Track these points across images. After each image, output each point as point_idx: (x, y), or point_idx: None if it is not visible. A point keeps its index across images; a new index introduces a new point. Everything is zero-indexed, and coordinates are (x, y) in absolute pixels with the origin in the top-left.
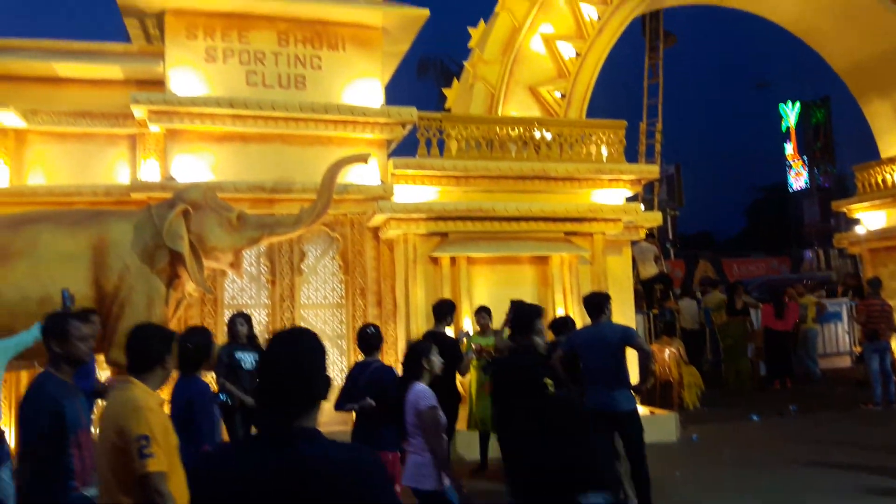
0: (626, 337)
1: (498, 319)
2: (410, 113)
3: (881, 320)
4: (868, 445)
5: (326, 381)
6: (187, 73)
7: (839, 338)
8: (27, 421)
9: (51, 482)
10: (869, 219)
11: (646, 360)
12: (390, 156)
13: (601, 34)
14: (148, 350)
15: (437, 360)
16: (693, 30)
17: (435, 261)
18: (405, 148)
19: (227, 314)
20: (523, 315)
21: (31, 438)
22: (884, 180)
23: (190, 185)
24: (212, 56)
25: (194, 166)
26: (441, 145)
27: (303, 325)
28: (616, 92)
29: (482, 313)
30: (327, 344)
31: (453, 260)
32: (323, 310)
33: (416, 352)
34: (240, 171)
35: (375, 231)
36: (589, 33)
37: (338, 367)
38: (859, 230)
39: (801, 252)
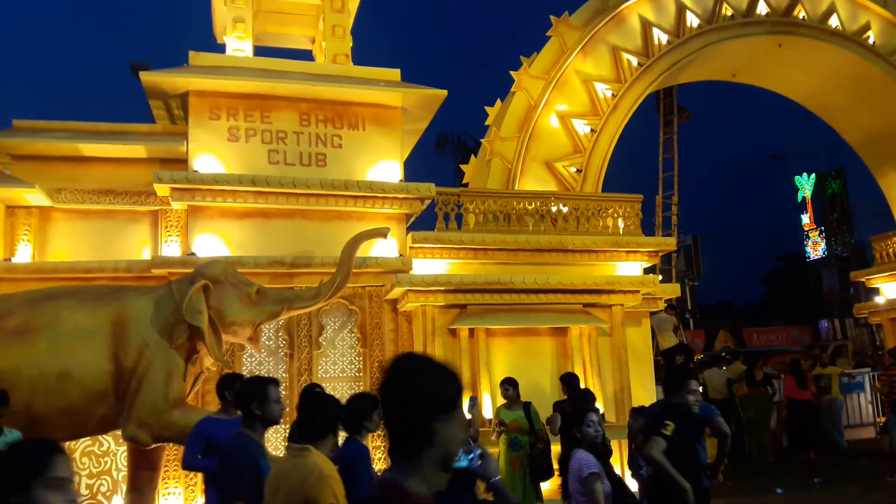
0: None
1: (523, 391)
2: (429, 188)
3: None
4: None
5: None
6: (210, 152)
7: (863, 408)
8: (228, 478)
9: None
10: (888, 288)
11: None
12: (409, 229)
13: (615, 111)
14: (323, 419)
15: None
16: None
17: (453, 333)
18: (424, 222)
19: None
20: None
21: (233, 496)
22: None
23: (210, 261)
24: (234, 135)
25: (215, 242)
26: (459, 219)
27: None
28: (632, 165)
29: (507, 385)
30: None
31: (472, 332)
32: (341, 383)
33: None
34: (260, 247)
35: (394, 303)
36: (603, 110)
37: None
38: (879, 300)
39: (817, 322)
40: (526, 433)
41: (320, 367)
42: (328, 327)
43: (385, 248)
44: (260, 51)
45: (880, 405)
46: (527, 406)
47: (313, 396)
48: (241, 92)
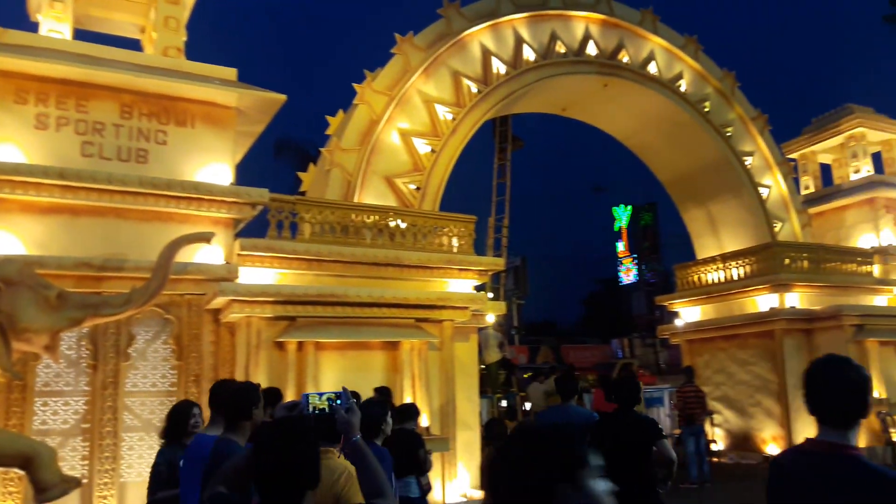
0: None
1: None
2: (261, 194)
3: (696, 406)
4: None
5: None
6: (10, 140)
7: (662, 421)
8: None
9: None
10: (686, 312)
11: None
12: (238, 236)
13: (455, 133)
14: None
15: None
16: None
17: (280, 346)
18: (255, 229)
19: (39, 402)
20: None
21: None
22: (699, 279)
23: (3, 259)
24: (43, 123)
25: (11, 239)
26: (293, 228)
27: (126, 414)
28: (468, 188)
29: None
30: (154, 435)
31: (300, 345)
32: (151, 398)
33: None
34: (66, 247)
35: (216, 314)
36: (443, 132)
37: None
38: (678, 322)
39: (609, 341)
40: None
41: (128, 381)
42: (139, 337)
43: (209, 255)
44: (81, 35)
45: (676, 419)
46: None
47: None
48: (53, 76)
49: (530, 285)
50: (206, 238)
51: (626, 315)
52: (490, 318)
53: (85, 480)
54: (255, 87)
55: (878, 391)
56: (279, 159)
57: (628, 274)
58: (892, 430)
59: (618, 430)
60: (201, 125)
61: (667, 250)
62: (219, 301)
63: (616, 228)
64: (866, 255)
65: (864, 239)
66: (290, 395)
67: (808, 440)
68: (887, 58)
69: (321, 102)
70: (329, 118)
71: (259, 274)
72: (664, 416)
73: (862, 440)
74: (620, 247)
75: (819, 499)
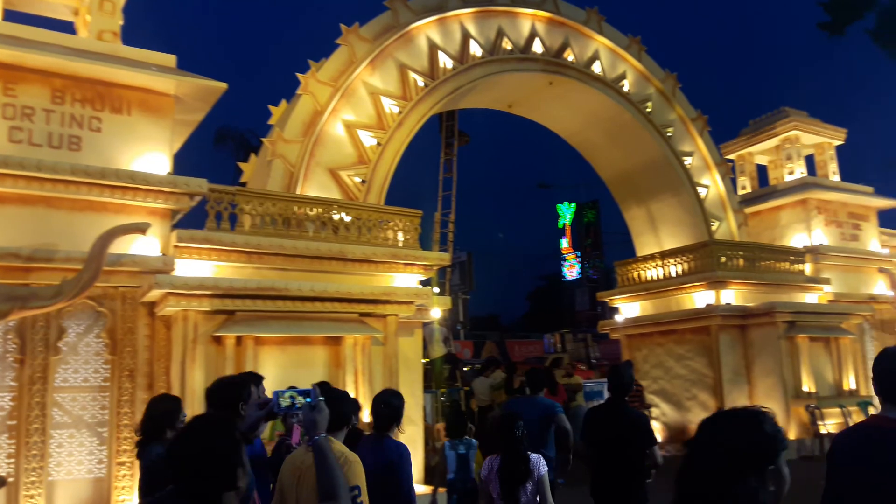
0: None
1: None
2: (200, 184)
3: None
4: None
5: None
6: None
7: None
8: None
9: None
10: (626, 308)
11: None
12: (175, 227)
13: (401, 127)
14: (346, 413)
15: None
16: (486, 131)
17: (218, 340)
18: (194, 220)
19: None
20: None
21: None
22: (639, 275)
23: None
24: None
25: None
26: (233, 220)
27: (56, 410)
28: (414, 182)
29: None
30: (85, 432)
31: (239, 340)
32: (82, 393)
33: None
34: None
35: (151, 307)
36: (389, 125)
37: (95, 459)
38: (618, 318)
39: (542, 336)
40: None
41: (58, 376)
42: (70, 331)
43: (145, 246)
44: (11, 16)
45: None
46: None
47: (330, 391)
48: None
49: (476, 280)
50: (141, 229)
51: (569, 310)
52: (435, 313)
53: (11, 479)
54: (195, 75)
55: (807, 385)
56: (220, 149)
57: (571, 270)
58: (819, 422)
59: (610, 424)
60: (138, 112)
61: (609, 248)
62: (154, 294)
63: (560, 225)
64: (799, 255)
65: (797, 238)
66: None
67: (871, 416)
68: (822, 63)
69: (264, 92)
70: (272, 108)
71: (197, 266)
72: None
73: (791, 432)
74: (564, 243)
75: (880, 467)
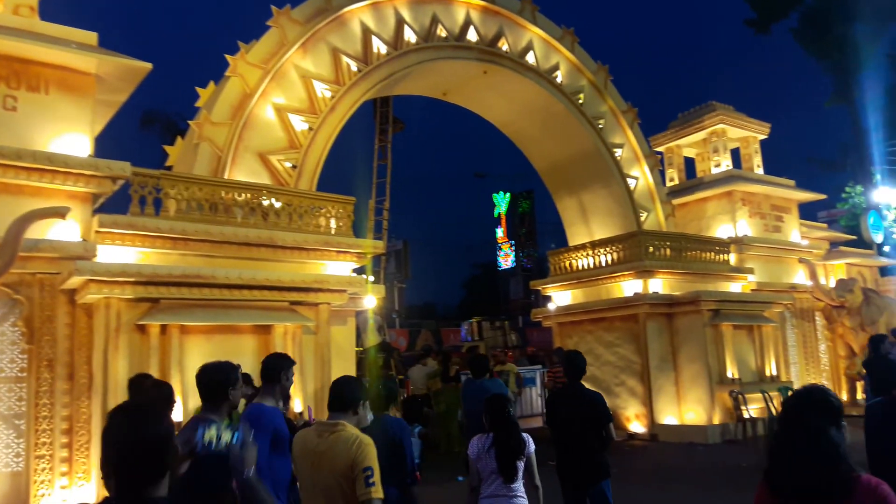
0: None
1: None
2: (123, 167)
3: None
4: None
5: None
6: None
7: (534, 400)
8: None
9: None
10: (558, 297)
11: None
12: (97, 212)
13: (333, 112)
14: (353, 396)
15: None
16: (422, 118)
17: (142, 329)
18: (116, 204)
19: None
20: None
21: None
22: (570, 265)
23: None
24: None
25: None
26: (158, 204)
27: None
28: (347, 169)
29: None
30: (1, 424)
31: (164, 328)
32: None
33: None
34: None
35: (71, 294)
36: (321, 109)
37: (13, 452)
38: (551, 306)
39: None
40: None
41: None
42: None
43: (64, 231)
44: None
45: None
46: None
47: (345, 378)
48: None
49: (412, 269)
50: (60, 213)
51: (504, 299)
52: (370, 302)
53: None
54: (117, 54)
55: (730, 371)
56: (146, 132)
57: (506, 259)
58: (743, 407)
59: (572, 404)
60: (56, 92)
61: (542, 237)
62: (75, 281)
63: (496, 215)
64: (724, 245)
65: (723, 229)
66: None
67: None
68: (748, 59)
69: (192, 74)
70: (199, 90)
71: (119, 252)
72: (536, 396)
73: (715, 417)
74: (499, 233)
75: None
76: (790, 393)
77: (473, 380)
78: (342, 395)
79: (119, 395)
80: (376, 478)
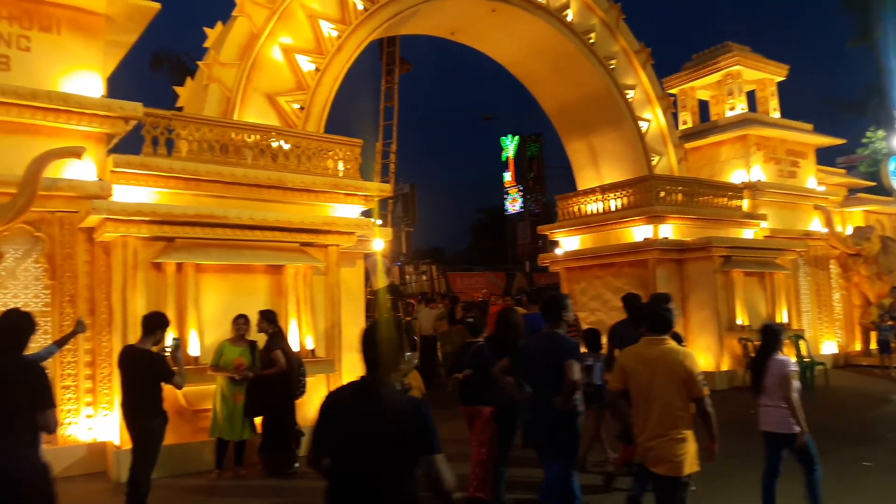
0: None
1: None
2: (135, 108)
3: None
4: None
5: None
6: None
7: None
8: None
9: None
10: (566, 242)
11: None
12: (111, 152)
13: (340, 52)
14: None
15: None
16: (429, 59)
17: (158, 267)
18: (129, 145)
19: None
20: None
21: None
22: (579, 209)
23: None
24: None
25: None
26: (170, 145)
27: None
28: (354, 111)
29: (240, 321)
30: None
31: (179, 267)
32: None
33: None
34: None
35: (89, 232)
36: (328, 49)
37: None
38: (558, 251)
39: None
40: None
41: None
42: (8, 255)
43: (81, 171)
44: None
45: None
46: (252, 344)
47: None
48: None
49: (419, 213)
50: (76, 153)
51: (512, 244)
52: (378, 245)
53: None
54: None
55: (740, 318)
56: (157, 74)
57: (514, 203)
58: (752, 355)
59: (538, 350)
60: (68, 32)
61: (551, 181)
62: (92, 219)
63: (503, 158)
64: (737, 190)
65: (736, 174)
66: (170, 318)
67: None
68: None
69: (201, 14)
70: (207, 30)
71: (134, 192)
72: None
73: (724, 364)
74: (507, 177)
75: None
76: (801, 342)
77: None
78: (661, 315)
79: (138, 331)
80: (704, 379)
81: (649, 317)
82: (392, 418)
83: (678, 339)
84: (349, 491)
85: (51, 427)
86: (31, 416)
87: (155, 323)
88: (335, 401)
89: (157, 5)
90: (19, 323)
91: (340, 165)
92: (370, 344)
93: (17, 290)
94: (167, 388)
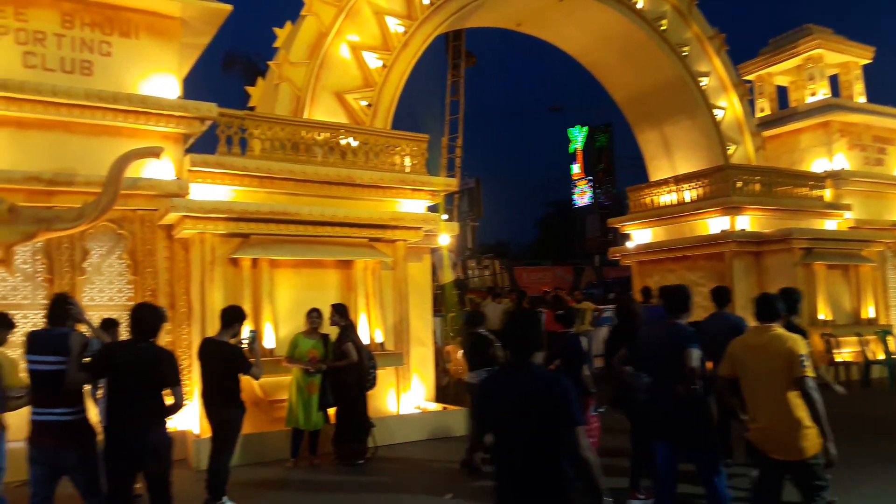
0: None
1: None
2: (210, 108)
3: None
4: None
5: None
6: None
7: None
8: None
9: None
10: (637, 235)
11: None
12: (187, 151)
13: (406, 48)
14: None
15: None
16: (494, 52)
17: (235, 262)
18: (205, 144)
19: None
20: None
21: None
22: (651, 201)
23: None
24: None
25: None
26: (243, 144)
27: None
28: (421, 106)
29: (313, 314)
30: None
31: (255, 262)
32: (109, 312)
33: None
34: (14, 160)
35: (169, 230)
36: (395, 45)
37: None
38: (629, 245)
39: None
40: (322, 361)
41: (85, 295)
42: (94, 252)
43: (160, 170)
44: None
45: None
46: (325, 337)
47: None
48: None
49: (485, 207)
50: (155, 153)
51: (580, 237)
52: (444, 240)
53: None
54: None
55: (823, 314)
56: (229, 74)
57: (582, 196)
58: (835, 350)
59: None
60: (146, 36)
61: (621, 172)
62: (171, 217)
63: (571, 150)
64: (819, 180)
65: (818, 163)
66: (247, 311)
67: None
68: None
69: (271, 14)
70: (277, 30)
71: (211, 190)
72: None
73: None
74: (575, 168)
75: None
76: (889, 338)
77: (715, 313)
78: (769, 303)
79: (217, 325)
80: (807, 362)
81: (757, 304)
82: (543, 392)
83: (802, 333)
84: (511, 461)
85: (178, 402)
86: (161, 393)
87: (233, 316)
88: (492, 384)
89: (229, 7)
90: (152, 315)
91: (407, 161)
92: (517, 330)
93: (103, 286)
94: (245, 379)
